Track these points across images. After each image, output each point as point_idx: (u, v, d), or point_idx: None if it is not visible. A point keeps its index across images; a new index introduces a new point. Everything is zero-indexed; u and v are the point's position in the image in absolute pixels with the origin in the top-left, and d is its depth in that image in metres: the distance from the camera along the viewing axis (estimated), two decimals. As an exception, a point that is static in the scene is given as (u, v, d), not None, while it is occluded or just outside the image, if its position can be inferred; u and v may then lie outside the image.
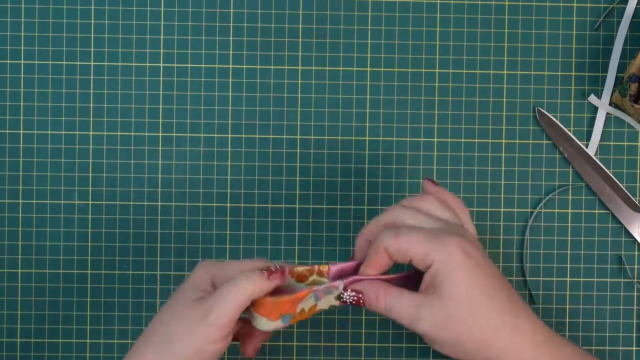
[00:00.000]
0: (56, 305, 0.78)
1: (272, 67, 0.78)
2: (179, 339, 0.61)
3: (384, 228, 0.63)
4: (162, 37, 0.78)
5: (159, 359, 0.61)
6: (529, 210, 0.78)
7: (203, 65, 0.78)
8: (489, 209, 0.78)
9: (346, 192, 0.78)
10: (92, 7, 0.78)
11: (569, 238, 0.78)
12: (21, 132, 0.78)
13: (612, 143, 0.79)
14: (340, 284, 0.64)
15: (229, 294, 0.61)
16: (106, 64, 0.78)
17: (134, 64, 0.78)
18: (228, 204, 0.78)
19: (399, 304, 0.61)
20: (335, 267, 0.65)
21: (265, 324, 0.63)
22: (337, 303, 0.65)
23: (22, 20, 0.78)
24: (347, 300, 0.63)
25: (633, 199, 0.78)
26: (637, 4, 0.78)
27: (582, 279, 0.78)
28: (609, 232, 0.78)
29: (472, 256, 0.61)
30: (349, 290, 0.64)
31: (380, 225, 0.64)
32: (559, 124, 0.78)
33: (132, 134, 0.78)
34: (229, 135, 0.78)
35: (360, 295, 0.63)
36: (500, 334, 0.60)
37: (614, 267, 0.78)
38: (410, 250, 0.61)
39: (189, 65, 0.78)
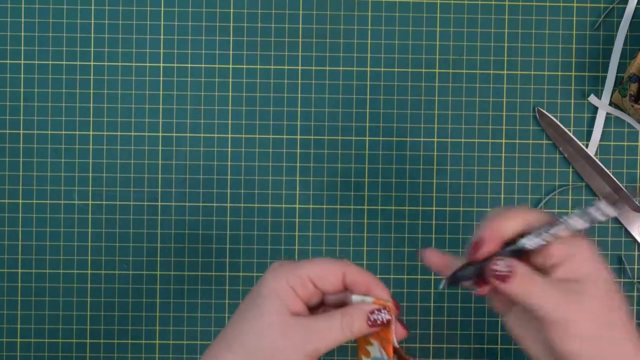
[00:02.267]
0: (56, 305, 0.78)
1: (272, 67, 0.78)
2: (283, 351, 0.59)
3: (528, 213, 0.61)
4: (162, 37, 0.78)
5: None
6: (529, 210, 0.78)
7: (203, 65, 0.78)
8: (489, 209, 0.78)
9: (346, 192, 0.78)
10: (92, 7, 0.78)
11: (569, 238, 0.78)
12: (21, 132, 0.78)
13: (612, 143, 0.79)
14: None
15: (330, 333, 0.60)
16: (106, 64, 0.78)
17: (134, 64, 0.78)
18: (228, 204, 0.78)
19: (549, 290, 0.59)
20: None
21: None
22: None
23: (22, 20, 0.78)
24: (501, 272, 0.59)
25: (633, 199, 0.78)
26: (637, 4, 0.78)
27: (582, 279, 0.78)
28: (609, 232, 0.78)
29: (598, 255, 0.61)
30: (503, 261, 0.60)
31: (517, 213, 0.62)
32: (559, 124, 0.78)
33: (132, 134, 0.78)
34: (229, 135, 0.78)
35: (513, 271, 0.59)
36: (630, 329, 0.61)
37: (614, 267, 0.78)
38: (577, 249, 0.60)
39: (189, 65, 0.78)
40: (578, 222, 0.61)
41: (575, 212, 0.61)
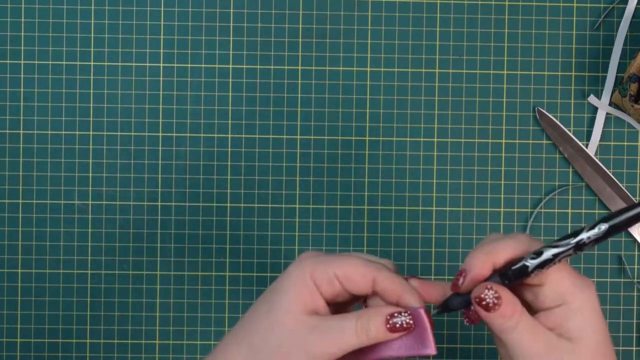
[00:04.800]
0: (56, 305, 0.78)
1: (272, 67, 0.78)
2: (290, 352, 0.55)
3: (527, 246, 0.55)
4: (162, 37, 0.78)
5: None
6: (529, 210, 0.78)
7: (203, 65, 0.78)
8: (489, 209, 0.78)
9: (346, 192, 0.78)
10: (92, 7, 0.78)
11: (569, 238, 0.78)
12: (21, 132, 0.78)
13: (612, 143, 0.79)
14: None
15: (342, 336, 0.55)
16: (106, 64, 0.78)
17: (134, 64, 0.78)
18: (228, 204, 0.78)
19: (531, 334, 0.54)
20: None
21: None
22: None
23: (22, 20, 0.78)
24: (487, 301, 0.54)
25: (633, 199, 0.78)
26: (637, 4, 0.78)
27: (582, 279, 0.78)
28: (609, 232, 0.78)
29: (599, 307, 0.56)
30: (492, 289, 0.54)
31: (514, 241, 0.56)
32: (559, 124, 0.78)
33: (132, 134, 0.78)
34: (229, 135, 0.78)
35: (499, 302, 0.54)
36: None
37: (614, 267, 0.78)
38: (556, 276, 0.54)
39: (189, 65, 0.78)
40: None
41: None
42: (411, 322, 0.55)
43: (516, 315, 0.54)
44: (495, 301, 0.54)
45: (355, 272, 0.56)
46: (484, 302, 0.55)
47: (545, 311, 0.55)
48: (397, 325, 0.55)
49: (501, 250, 0.55)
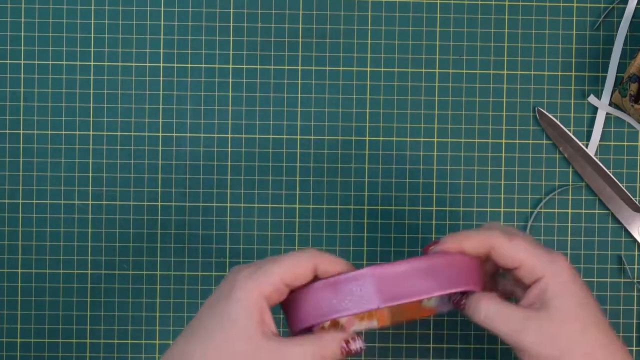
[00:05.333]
0: (56, 305, 0.78)
1: (272, 67, 0.78)
2: None
3: (493, 231, 0.62)
4: (162, 37, 0.78)
5: None
6: (529, 210, 0.78)
7: (203, 65, 0.78)
8: (489, 209, 0.78)
9: (346, 192, 0.78)
10: (92, 7, 0.78)
11: (569, 238, 0.78)
12: (21, 132, 0.78)
13: (612, 143, 0.79)
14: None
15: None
16: (106, 64, 0.78)
17: (134, 64, 0.78)
18: (228, 204, 0.78)
19: (503, 314, 0.60)
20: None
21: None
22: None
23: (22, 20, 0.78)
24: (453, 301, 0.62)
25: (633, 199, 0.78)
26: (637, 4, 0.78)
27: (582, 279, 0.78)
28: (609, 232, 0.78)
29: (578, 276, 0.61)
30: (455, 293, 0.62)
31: (485, 230, 0.62)
32: (559, 124, 0.78)
33: (132, 134, 0.78)
34: (229, 135, 0.78)
35: (464, 301, 0.62)
36: (600, 356, 0.59)
37: (614, 267, 0.78)
38: (523, 257, 0.60)
39: (189, 65, 0.78)
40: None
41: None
42: (364, 346, 0.59)
43: (481, 304, 0.60)
44: (459, 300, 0.62)
45: (298, 267, 0.57)
46: (453, 304, 0.63)
47: (526, 292, 0.61)
48: (353, 351, 0.58)
49: (470, 239, 0.61)
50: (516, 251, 0.60)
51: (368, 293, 0.58)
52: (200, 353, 0.55)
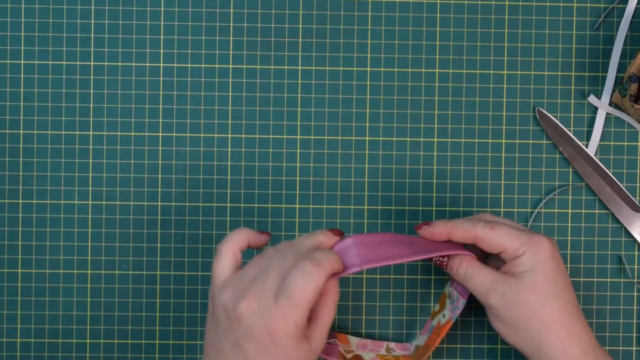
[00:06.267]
0: (56, 305, 0.78)
1: (272, 67, 0.78)
2: None
3: (477, 222, 0.68)
4: (162, 37, 0.78)
5: None
6: (529, 210, 0.78)
7: (203, 65, 0.78)
8: (489, 209, 0.78)
9: (346, 192, 0.78)
10: (92, 7, 0.78)
11: (569, 238, 0.78)
12: (21, 132, 0.78)
13: (612, 143, 0.79)
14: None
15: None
16: (106, 64, 0.78)
17: (134, 64, 0.78)
18: (228, 204, 0.78)
19: (479, 275, 0.68)
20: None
21: None
22: None
23: (22, 20, 0.78)
24: (436, 261, 0.71)
25: (633, 199, 0.78)
26: (637, 4, 0.78)
27: (582, 279, 0.78)
28: (609, 232, 0.78)
29: (557, 258, 0.67)
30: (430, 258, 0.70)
31: (468, 220, 0.69)
32: (559, 124, 0.78)
33: (132, 134, 0.78)
34: (229, 135, 0.78)
35: (446, 260, 0.70)
36: (557, 328, 0.66)
37: (614, 267, 0.78)
38: (504, 242, 0.67)
39: (189, 65, 0.78)
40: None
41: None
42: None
43: (463, 265, 0.69)
44: (442, 260, 0.70)
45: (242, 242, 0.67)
46: (436, 263, 0.71)
47: (506, 264, 0.68)
48: None
49: (457, 229, 0.68)
50: (497, 238, 0.67)
51: (352, 257, 0.66)
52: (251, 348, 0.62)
